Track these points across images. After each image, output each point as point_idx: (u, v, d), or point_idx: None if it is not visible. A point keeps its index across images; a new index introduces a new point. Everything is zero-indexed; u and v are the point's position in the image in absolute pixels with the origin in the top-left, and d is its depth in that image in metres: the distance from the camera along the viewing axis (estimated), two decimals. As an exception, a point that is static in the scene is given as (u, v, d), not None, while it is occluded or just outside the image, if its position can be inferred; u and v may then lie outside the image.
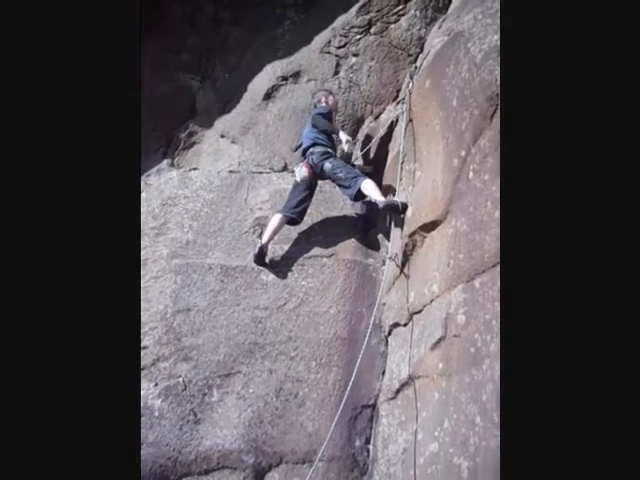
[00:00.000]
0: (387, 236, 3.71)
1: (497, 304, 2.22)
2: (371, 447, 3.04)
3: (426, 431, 2.49)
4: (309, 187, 3.88)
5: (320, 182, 4.08)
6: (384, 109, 4.47)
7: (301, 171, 3.87)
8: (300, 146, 4.20)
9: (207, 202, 4.17)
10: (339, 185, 3.86)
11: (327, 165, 3.82)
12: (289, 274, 3.70)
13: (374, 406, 3.17)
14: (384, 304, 3.43)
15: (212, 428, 3.09)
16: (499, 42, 2.74)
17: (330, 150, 3.93)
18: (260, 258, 3.67)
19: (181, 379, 3.24)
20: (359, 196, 3.70)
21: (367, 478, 2.94)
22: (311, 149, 3.93)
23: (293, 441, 3.05)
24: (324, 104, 4.19)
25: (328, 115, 4.11)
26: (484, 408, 2.08)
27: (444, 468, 2.23)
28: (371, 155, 4.41)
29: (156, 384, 3.21)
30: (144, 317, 3.49)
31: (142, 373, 3.27)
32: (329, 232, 3.95)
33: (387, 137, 4.28)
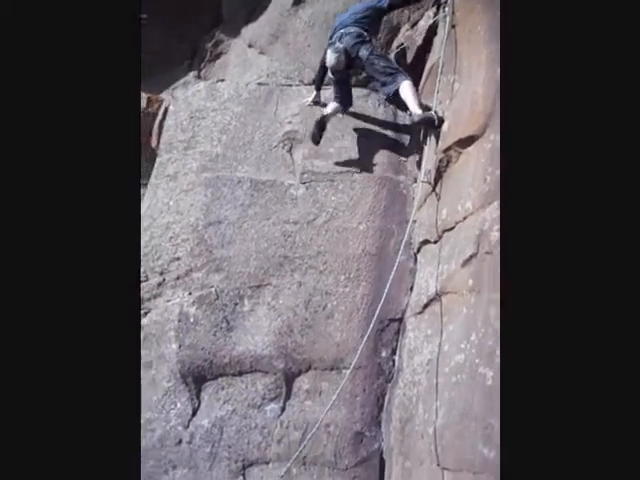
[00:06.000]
0: (420, 151, 3.59)
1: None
2: (397, 358, 3.16)
3: (452, 343, 2.55)
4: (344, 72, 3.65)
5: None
6: (422, 15, 4.14)
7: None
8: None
9: (236, 115, 4.07)
10: (373, 78, 3.51)
11: (363, 52, 3.42)
12: (319, 189, 3.66)
13: (401, 320, 3.25)
14: (414, 221, 3.39)
15: (244, 335, 3.23)
16: None
17: (366, 34, 3.50)
18: (320, 126, 3.55)
19: (213, 289, 3.36)
20: (395, 96, 3.42)
21: (392, 385, 3.08)
22: (343, 30, 3.50)
23: (321, 349, 3.18)
24: None
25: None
26: (513, 322, 2.10)
27: (469, 377, 2.30)
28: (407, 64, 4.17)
29: (190, 293, 3.34)
30: (177, 229, 3.56)
31: (177, 282, 3.40)
32: (360, 147, 3.84)
33: (425, 46, 4.02)
